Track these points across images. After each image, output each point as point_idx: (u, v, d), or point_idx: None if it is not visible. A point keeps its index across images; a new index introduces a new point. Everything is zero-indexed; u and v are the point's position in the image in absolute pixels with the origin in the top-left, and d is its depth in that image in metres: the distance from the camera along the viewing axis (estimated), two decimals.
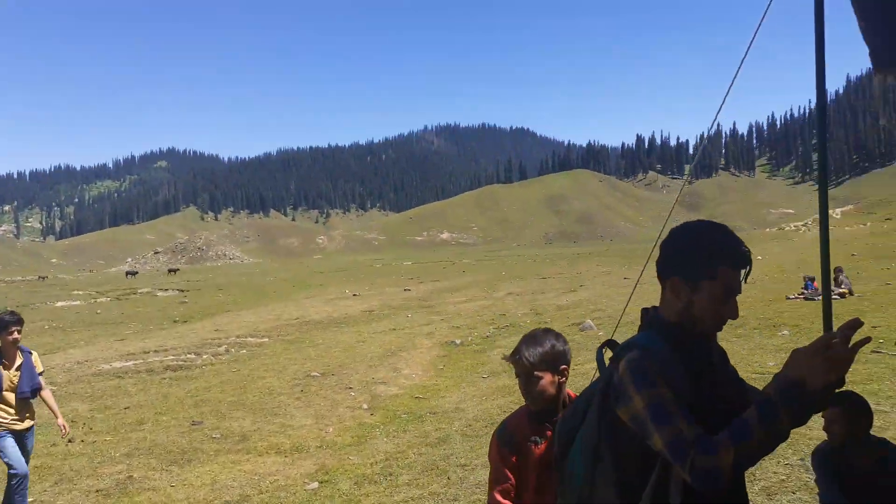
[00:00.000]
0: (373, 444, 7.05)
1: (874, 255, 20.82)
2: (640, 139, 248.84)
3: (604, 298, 18.53)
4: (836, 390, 1.43)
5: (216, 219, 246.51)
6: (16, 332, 5.03)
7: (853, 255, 22.76)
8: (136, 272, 76.22)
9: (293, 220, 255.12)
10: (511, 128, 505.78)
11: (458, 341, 13.19)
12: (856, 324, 1.43)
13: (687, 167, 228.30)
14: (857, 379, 6.89)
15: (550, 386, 2.23)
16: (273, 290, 32.70)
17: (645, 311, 1.76)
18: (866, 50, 2.97)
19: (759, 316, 12.55)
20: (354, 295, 25.58)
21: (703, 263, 1.60)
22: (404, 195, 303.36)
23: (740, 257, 1.61)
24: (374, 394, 9.35)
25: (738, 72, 3.65)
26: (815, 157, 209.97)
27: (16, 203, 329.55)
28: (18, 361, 5.13)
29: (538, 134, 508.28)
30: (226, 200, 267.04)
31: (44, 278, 72.93)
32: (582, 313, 15.57)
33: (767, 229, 68.60)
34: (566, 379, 2.30)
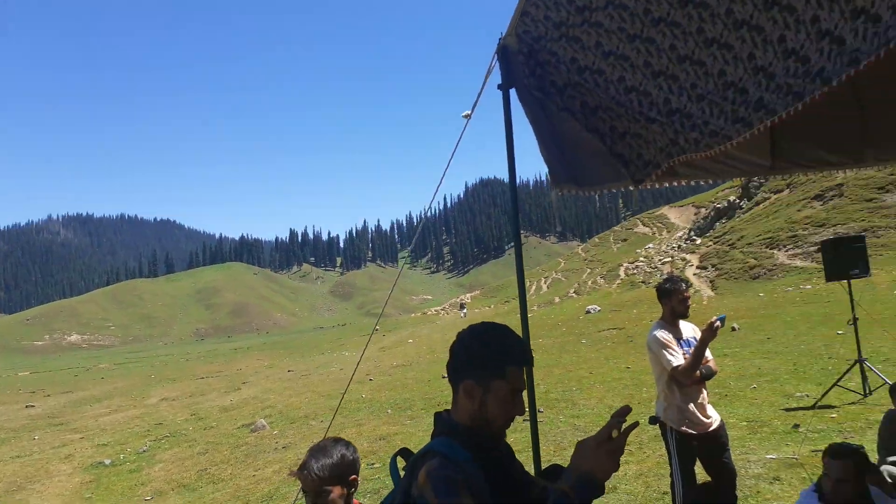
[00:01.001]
0: None
1: None
2: (293, 233, 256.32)
3: (271, 394, 17.90)
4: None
5: None
6: None
7: None
8: None
9: None
10: (156, 219, 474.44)
11: (107, 461, 11.18)
12: (626, 410, 1.53)
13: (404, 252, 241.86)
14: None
15: (340, 499, 2.14)
16: None
17: (438, 415, 1.73)
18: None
19: (423, 397, 13.38)
20: None
21: (494, 364, 1.62)
22: (20, 293, 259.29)
23: (524, 355, 1.67)
24: None
25: (444, 172, 3.93)
26: (445, 249, 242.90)
27: None
28: None
29: (186, 226, 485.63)
30: None
31: None
32: (250, 412, 14.75)
33: (413, 314, 75.25)
34: (356, 490, 2.23)
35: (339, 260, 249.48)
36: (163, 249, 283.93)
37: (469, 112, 3.54)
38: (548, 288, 53.55)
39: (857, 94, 3.55)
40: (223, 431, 12.77)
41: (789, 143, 3.71)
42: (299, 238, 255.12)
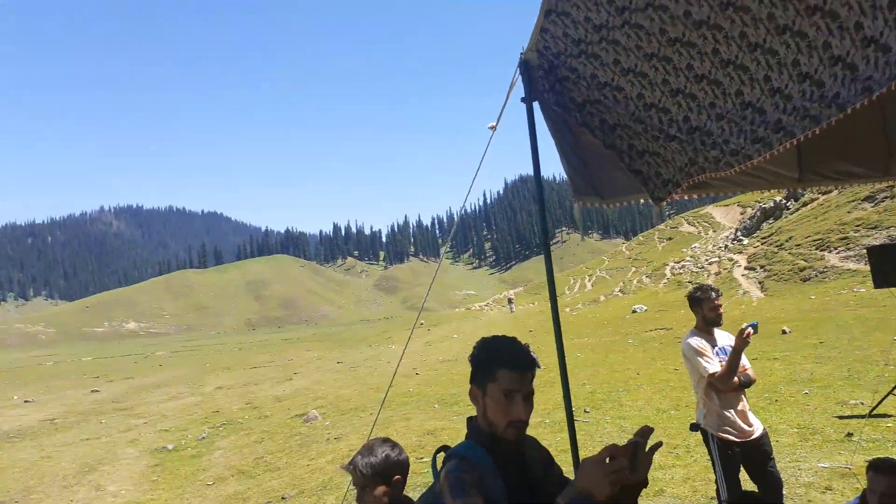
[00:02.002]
0: None
1: (547, 330, 24.28)
2: (336, 227, 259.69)
3: (321, 385, 18.42)
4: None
5: None
6: None
7: (530, 331, 26.31)
8: None
9: None
10: (203, 211, 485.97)
11: (170, 446, 11.86)
12: (647, 431, 1.56)
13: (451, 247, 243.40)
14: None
15: (384, 496, 2.27)
16: None
17: (469, 419, 1.89)
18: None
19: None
20: (27, 401, 21.38)
21: (485, 368, 1.78)
22: (78, 282, 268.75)
23: (516, 359, 1.76)
24: None
25: (473, 180, 4.19)
26: (487, 245, 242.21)
27: None
28: None
29: (233, 219, 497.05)
30: None
31: None
32: (303, 403, 15.26)
33: (457, 309, 75.59)
34: (402, 489, 2.35)
35: (381, 254, 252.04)
36: (211, 241, 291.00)
37: (494, 124, 3.59)
38: (592, 286, 53.17)
39: (883, 111, 3.54)
40: (277, 421, 13.19)
41: (816, 157, 3.72)
42: (343, 232, 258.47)
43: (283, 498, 7.62)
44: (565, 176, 3.67)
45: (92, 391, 23.14)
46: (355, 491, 2.39)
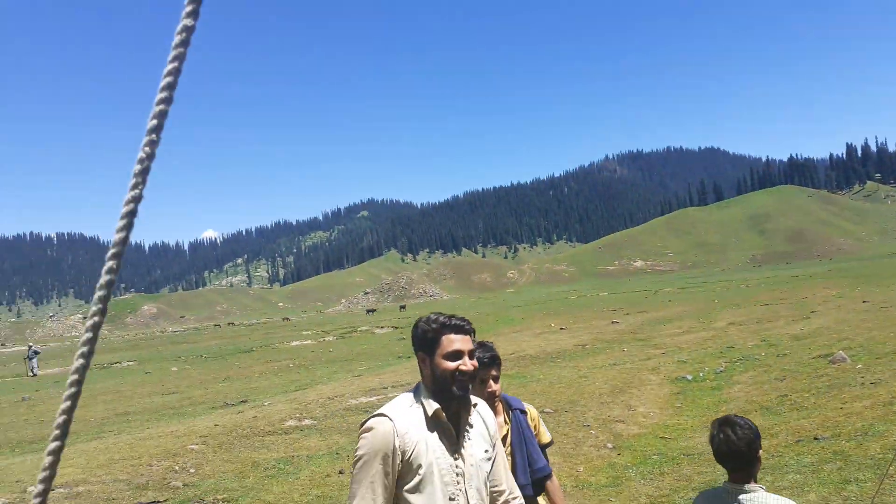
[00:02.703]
0: (631, 487, 6.89)
1: None
2: (850, 148, 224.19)
3: (846, 326, 16.62)
4: None
5: (415, 260, 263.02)
6: (492, 381, 2.95)
7: None
8: (375, 310, 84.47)
9: (483, 256, 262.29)
10: (700, 148, 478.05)
11: (689, 377, 12.54)
12: None
13: None
14: None
15: None
16: (478, 325, 33.32)
17: None
18: None
19: None
20: (561, 328, 25.42)
21: None
22: (591, 226, 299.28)
23: None
24: (614, 432, 9.17)
25: None
26: None
27: (246, 256, 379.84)
28: (504, 429, 2.97)
29: (731, 152, 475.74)
30: (422, 242, 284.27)
31: (287, 319, 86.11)
32: (825, 343, 14.07)
33: None
34: None
35: None
36: (709, 177, 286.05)
37: None
38: None
39: None
40: (797, 360, 12.58)
41: None
42: (859, 153, 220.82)
43: (815, 438, 7.32)
44: None
45: (612, 322, 25.91)
46: None
